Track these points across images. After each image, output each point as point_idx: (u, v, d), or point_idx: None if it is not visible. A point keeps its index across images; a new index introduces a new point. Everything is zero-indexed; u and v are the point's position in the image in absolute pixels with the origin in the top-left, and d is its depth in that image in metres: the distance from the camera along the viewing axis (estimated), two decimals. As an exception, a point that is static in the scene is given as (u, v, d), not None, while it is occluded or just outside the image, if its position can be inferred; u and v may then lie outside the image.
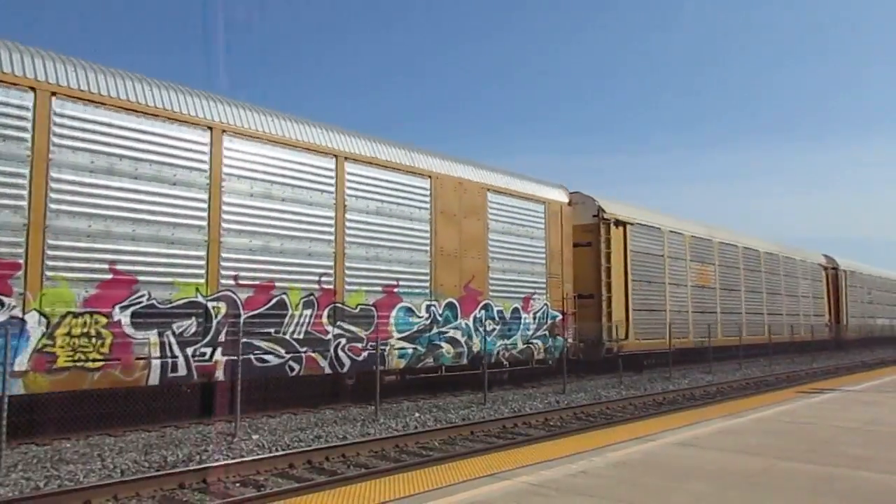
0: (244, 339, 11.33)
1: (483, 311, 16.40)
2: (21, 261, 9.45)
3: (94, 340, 9.98)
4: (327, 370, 13.07)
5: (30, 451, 9.38)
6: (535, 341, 17.92)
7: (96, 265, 10.16)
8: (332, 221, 13.39)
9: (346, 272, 13.50)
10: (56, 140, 9.96)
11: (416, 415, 13.03)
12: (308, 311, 12.73)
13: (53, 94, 9.98)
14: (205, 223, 11.46)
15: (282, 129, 12.91)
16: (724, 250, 27.42)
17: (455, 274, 15.86)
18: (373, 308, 13.94)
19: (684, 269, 24.37)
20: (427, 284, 15.17)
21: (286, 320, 12.38)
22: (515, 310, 17.51)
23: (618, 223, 20.94)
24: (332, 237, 13.34)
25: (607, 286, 20.28)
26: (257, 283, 12.06)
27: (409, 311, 14.70)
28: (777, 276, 31.83)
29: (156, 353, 10.59)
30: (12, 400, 8.81)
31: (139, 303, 10.50)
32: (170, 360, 10.75)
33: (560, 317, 18.75)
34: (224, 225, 11.71)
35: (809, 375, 23.36)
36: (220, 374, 11.36)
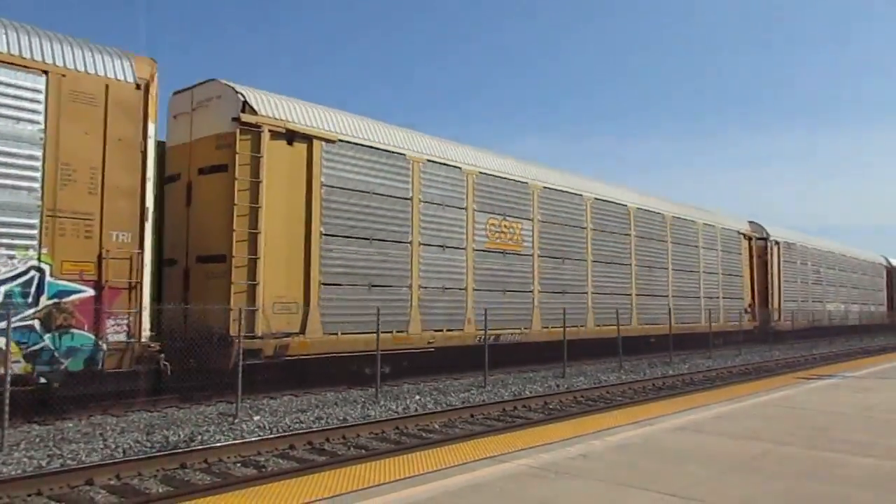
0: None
1: None
2: None
3: None
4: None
5: (32, 430, 9.44)
6: None
7: None
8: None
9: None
10: None
11: (417, 397, 13.10)
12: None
13: None
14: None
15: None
16: (549, 199, 18.85)
17: None
18: None
19: (463, 225, 16.29)
20: None
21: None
22: None
23: (290, 137, 12.73)
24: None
25: (249, 242, 12.02)
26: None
27: None
28: (659, 244, 23.50)
29: None
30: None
31: None
32: None
33: (81, 295, 9.76)
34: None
35: (809, 361, 23.41)
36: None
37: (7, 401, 8.31)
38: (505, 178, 17.57)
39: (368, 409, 11.68)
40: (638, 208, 22.57)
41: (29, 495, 6.74)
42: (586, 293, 19.88)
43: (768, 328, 29.79)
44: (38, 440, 8.87)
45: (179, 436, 9.23)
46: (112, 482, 7.25)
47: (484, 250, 16.73)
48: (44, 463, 7.79)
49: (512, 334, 17.22)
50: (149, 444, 8.79)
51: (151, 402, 11.37)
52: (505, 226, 17.41)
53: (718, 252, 27.05)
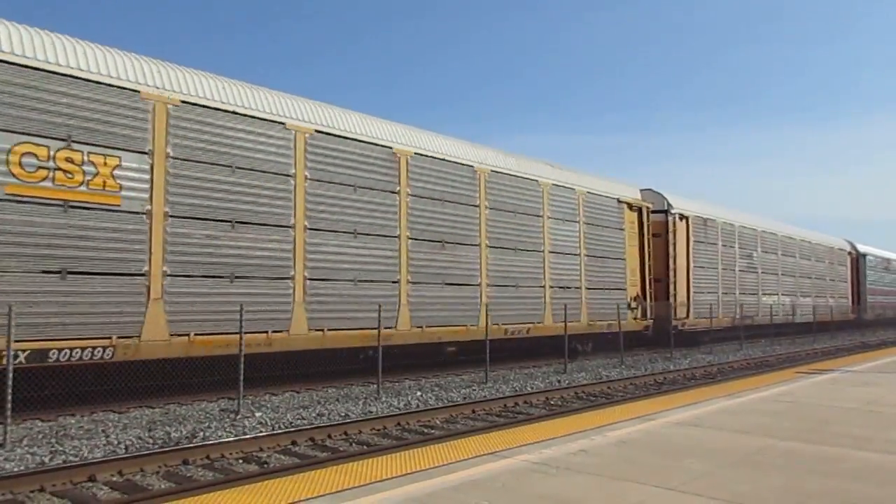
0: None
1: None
2: None
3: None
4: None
5: (35, 426, 9.46)
6: None
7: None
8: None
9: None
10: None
11: (418, 393, 13.11)
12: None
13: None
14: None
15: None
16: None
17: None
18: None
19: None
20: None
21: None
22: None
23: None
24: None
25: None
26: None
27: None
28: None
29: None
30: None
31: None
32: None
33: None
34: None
35: (810, 356, 23.42)
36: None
37: (10, 397, 8.34)
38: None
39: (370, 405, 11.70)
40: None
41: (32, 491, 6.76)
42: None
43: (670, 327, 22.36)
44: (40, 436, 8.89)
45: (181, 432, 9.26)
46: (114, 478, 7.27)
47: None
48: (46, 459, 7.81)
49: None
50: (151, 441, 8.81)
51: (154, 398, 11.39)
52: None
53: (580, 224, 19.94)
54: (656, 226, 23.74)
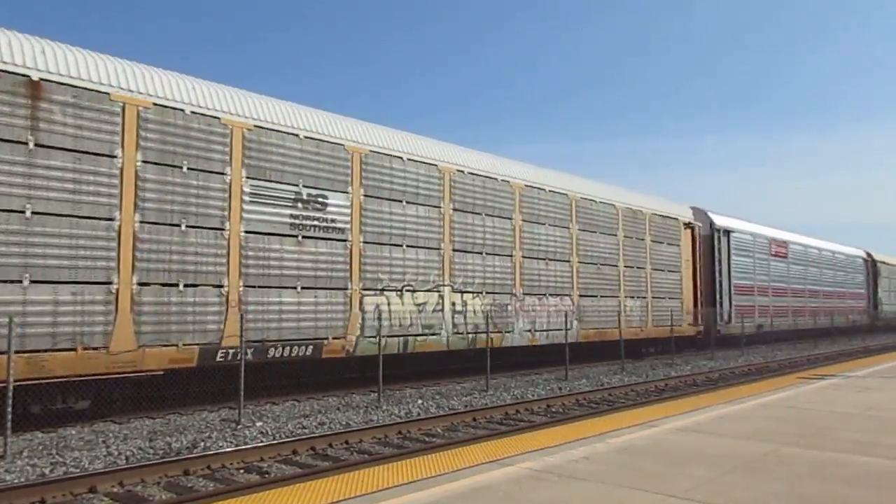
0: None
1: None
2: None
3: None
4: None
5: (35, 437, 9.45)
6: None
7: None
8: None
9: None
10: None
11: (419, 401, 13.10)
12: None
13: None
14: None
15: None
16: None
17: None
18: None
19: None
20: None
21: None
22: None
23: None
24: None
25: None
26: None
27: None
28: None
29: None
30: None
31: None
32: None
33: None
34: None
35: (811, 361, 23.39)
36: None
37: (10, 409, 8.33)
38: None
39: (371, 413, 11.68)
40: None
41: (32, 503, 6.74)
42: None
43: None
44: (41, 448, 8.87)
45: (182, 442, 9.24)
46: (115, 489, 7.25)
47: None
48: (47, 471, 7.79)
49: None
50: (151, 451, 8.79)
51: (154, 408, 11.38)
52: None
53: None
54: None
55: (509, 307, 17.54)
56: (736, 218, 30.02)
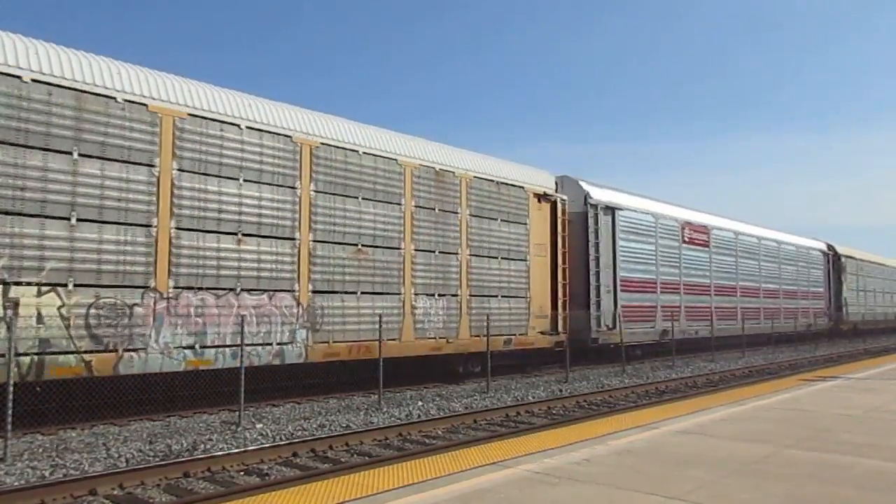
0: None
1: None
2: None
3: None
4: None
5: (35, 440, 9.44)
6: None
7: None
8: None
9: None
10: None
11: (420, 403, 13.08)
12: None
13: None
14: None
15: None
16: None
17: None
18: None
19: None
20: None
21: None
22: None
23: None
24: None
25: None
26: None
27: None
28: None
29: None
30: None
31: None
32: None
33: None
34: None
35: (812, 363, 23.37)
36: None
37: (10, 411, 8.31)
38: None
39: (371, 415, 11.67)
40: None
41: (32, 506, 6.73)
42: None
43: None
44: (41, 450, 8.86)
45: (182, 444, 9.22)
46: (115, 492, 7.24)
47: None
48: (47, 473, 7.77)
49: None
50: (151, 453, 8.78)
51: (154, 410, 11.37)
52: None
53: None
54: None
55: (137, 309, 10.68)
56: (628, 193, 23.15)
